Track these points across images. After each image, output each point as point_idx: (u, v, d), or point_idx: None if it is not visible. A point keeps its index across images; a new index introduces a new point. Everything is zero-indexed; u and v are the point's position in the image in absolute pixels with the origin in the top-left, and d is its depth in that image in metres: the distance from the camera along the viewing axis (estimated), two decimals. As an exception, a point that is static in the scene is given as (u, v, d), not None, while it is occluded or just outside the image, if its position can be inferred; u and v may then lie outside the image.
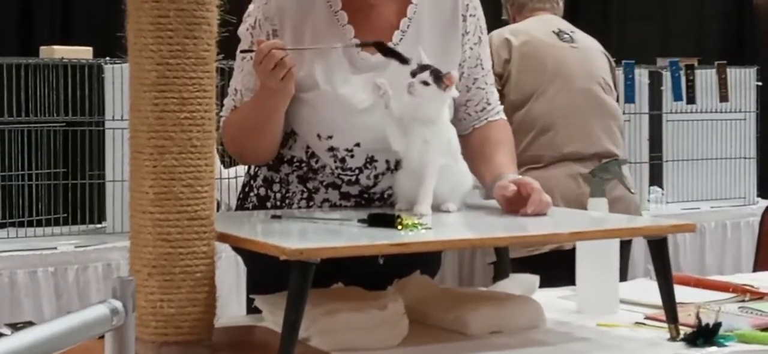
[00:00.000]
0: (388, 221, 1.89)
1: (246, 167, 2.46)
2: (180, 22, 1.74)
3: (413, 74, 2.09)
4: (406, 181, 2.14)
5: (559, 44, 3.67)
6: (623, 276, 2.58)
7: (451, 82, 2.09)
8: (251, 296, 2.12)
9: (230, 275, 3.67)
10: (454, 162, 2.15)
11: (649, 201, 5.17)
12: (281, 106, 2.19)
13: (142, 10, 1.74)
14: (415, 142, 2.10)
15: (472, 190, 2.23)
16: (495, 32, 3.67)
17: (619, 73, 4.49)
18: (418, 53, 2.13)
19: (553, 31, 3.70)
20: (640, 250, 4.45)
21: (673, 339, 1.94)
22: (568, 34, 3.72)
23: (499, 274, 2.42)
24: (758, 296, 2.33)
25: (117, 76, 3.99)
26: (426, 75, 2.08)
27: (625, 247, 3.50)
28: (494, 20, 3.60)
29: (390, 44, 2.20)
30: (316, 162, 2.28)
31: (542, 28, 3.71)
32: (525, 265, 2.76)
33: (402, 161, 2.17)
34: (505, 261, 2.37)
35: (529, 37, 3.64)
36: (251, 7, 2.28)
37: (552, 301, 2.27)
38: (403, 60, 2.12)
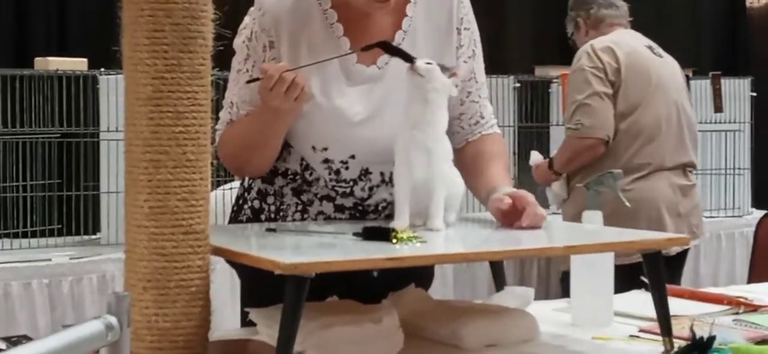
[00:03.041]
0: (383, 235, 1.89)
1: (238, 181, 2.46)
2: (175, 36, 1.73)
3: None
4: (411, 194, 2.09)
5: (654, 58, 3.89)
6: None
7: (456, 75, 2.09)
8: (246, 309, 2.11)
9: (224, 288, 3.66)
10: (449, 169, 2.14)
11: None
12: (289, 124, 2.19)
13: (137, 24, 1.74)
14: (418, 153, 2.06)
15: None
16: (595, 42, 3.88)
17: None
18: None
19: (646, 46, 3.93)
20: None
21: (667, 352, 1.95)
22: (656, 49, 3.96)
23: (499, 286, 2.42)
24: (752, 309, 2.34)
25: (111, 88, 4.00)
26: (428, 59, 2.07)
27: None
28: (488, 34, 3.59)
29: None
30: (311, 174, 2.28)
31: (638, 42, 3.93)
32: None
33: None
34: (501, 274, 2.37)
35: (631, 49, 3.85)
36: (247, 19, 2.27)
37: (547, 313, 2.28)
38: (408, 58, 2.09)
